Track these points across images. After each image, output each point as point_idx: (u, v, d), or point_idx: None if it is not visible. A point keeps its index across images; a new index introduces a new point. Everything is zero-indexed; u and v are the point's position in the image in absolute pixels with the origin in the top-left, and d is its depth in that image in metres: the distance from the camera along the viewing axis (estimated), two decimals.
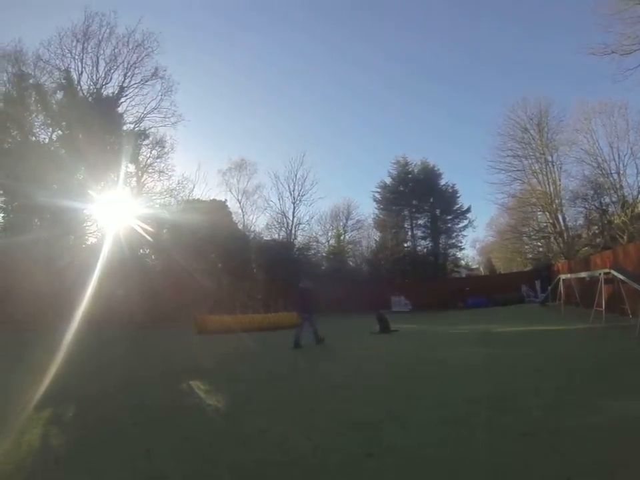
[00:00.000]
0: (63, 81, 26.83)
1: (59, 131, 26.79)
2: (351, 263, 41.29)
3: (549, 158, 33.79)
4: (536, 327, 14.42)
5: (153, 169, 30.12)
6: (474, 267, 52.02)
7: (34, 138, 26.36)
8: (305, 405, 5.69)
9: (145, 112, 29.37)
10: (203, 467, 3.69)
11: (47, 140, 26.70)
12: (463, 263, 45.65)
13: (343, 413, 5.21)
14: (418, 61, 72.21)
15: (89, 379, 7.54)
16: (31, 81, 26.20)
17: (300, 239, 39.94)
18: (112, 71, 28.38)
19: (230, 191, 39.38)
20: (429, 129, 72.51)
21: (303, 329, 12.07)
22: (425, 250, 42.17)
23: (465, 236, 43.29)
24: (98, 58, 27.97)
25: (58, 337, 11.36)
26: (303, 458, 3.82)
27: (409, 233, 42.56)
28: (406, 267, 38.43)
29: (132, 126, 29.25)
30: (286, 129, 72.49)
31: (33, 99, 26.45)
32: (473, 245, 53.24)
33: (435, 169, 43.49)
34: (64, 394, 6.41)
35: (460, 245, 43.39)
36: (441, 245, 42.03)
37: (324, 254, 41.10)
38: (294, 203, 39.98)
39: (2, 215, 24.94)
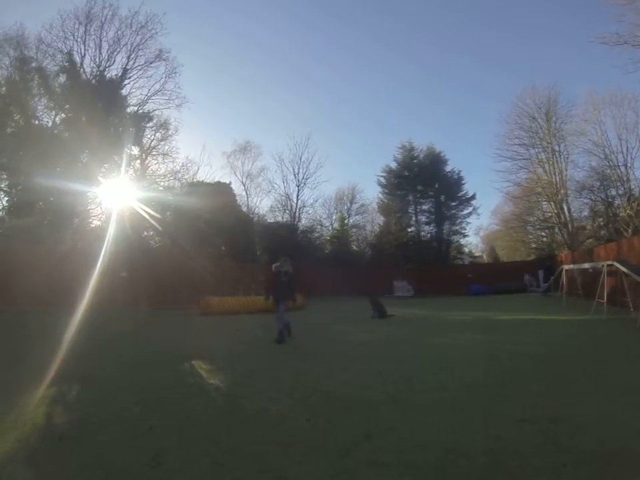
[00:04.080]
0: (66, 64, 26.60)
1: (62, 114, 26.57)
2: (354, 247, 41.42)
3: (556, 148, 33.58)
4: (537, 316, 14.46)
5: (156, 152, 30.15)
6: (477, 254, 51.97)
7: (37, 121, 26.17)
8: (305, 386, 5.74)
9: (148, 94, 29.28)
10: (204, 444, 3.75)
11: (50, 123, 26.51)
12: (466, 250, 45.80)
13: (342, 395, 5.26)
14: (423, 49, 71.46)
15: (93, 360, 7.58)
16: (33, 65, 25.95)
17: (304, 221, 40.38)
18: (115, 53, 28.20)
19: (234, 173, 39.75)
20: (435, 114, 72.25)
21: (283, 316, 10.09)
22: (429, 235, 42.56)
23: (469, 223, 43.85)
24: (101, 40, 27.78)
25: (62, 319, 11.41)
26: (302, 438, 3.87)
27: (413, 218, 42.88)
28: (409, 252, 38.57)
29: (135, 108, 29.16)
30: (291, 113, 72.19)
31: (36, 82, 26.19)
32: (476, 233, 53.32)
33: (441, 154, 43.81)
34: (68, 374, 6.45)
35: (464, 231, 43.83)
36: (444, 231, 42.34)
37: (327, 237, 41.19)
38: (298, 186, 40.44)
39: (5, 198, 25.08)
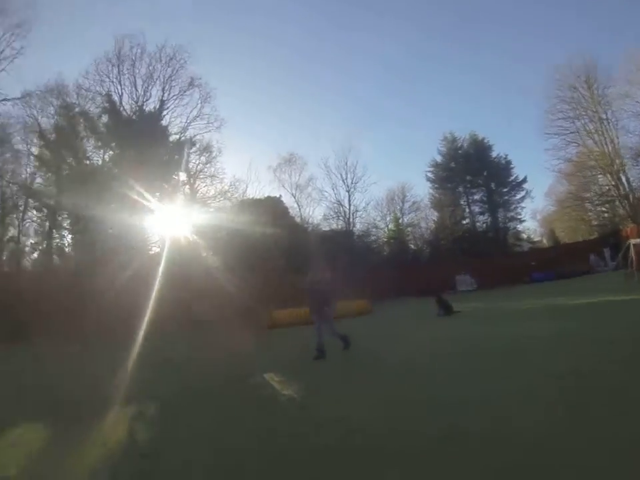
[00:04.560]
0: (106, 105, 28.30)
1: (110, 152, 28.24)
2: (412, 246, 40.94)
3: (603, 115, 32.04)
4: (606, 298, 13.60)
5: (204, 175, 31.38)
6: (536, 239, 49.94)
7: (88, 161, 28.10)
8: (380, 391, 5.64)
9: (187, 121, 30.49)
10: (282, 455, 3.74)
11: (100, 161, 28.39)
12: (524, 236, 44.08)
13: (419, 399, 5.11)
14: (459, 30, 69.90)
15: (165, 379, 7.81)
16: (76, 110, 27.89)
17: (358, 226, 40.19)
18: (150, 87, 29.73)
19: (283, 186, 40.03)
20: (473, 100, 70.00)
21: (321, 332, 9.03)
22: (484, 225, 41.41)
23: (524, 208, 42.18)
24: (135, 77, 29.37)
25: (130, 343, 11.78)
26: (381, 443, 3.77)
27: (466, 210, 41.87)
28: (467, 245, 37.65)
29: (177, 136, 30.40)
30: (330, 118, 71.83)
31: (81, 125, 28.18)
32: (533, 217, 51.08)
33: (485, 141, 42.65)
34: (143, 394, 6.70)
35: (519, 217, 42.20)
36: (500, 219, 41.06)
37: (384, 239, 40.93)
38: (348, 191, 40.41)
39: (70, 235, 26.73)
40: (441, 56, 70.76)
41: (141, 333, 13.15)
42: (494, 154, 42.12)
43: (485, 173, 41.23)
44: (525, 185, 41.15)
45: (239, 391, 6.49)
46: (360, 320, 16.55)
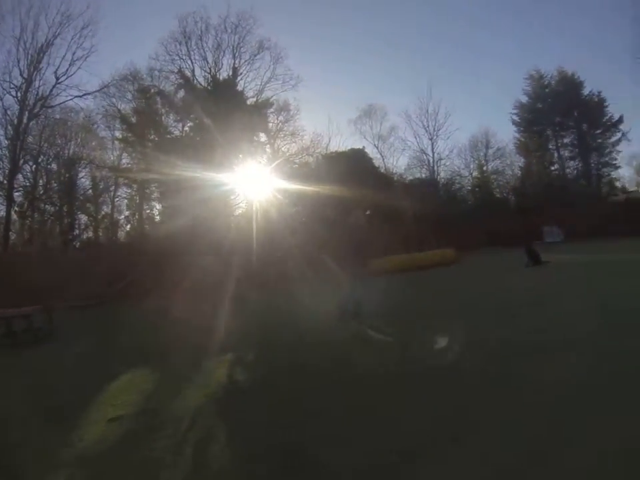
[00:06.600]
0: (180, 81, 29.34)
1: (190, 123, 29.62)
2: (497, 194, 39.15)
3: None
4: None
5: (284, 133, 31.96)
6: (632, 189, 45.20)
7: (169, 135, 29.59)
8: (476, 333, 5.85)
9: (262, 83, 30.84)
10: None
11: (181, 133, 29.85)
12: (618, 185, 40.12)
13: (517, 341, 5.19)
14: None
15: (264, 330, 8.13)
16: (152, 91, 29.28)
17: (442, 174, 39.30)
18: (220, 57, 30.24)
19: (365, 137, 39.57)
20: (559, 31, 63.03)
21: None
22: (575, 172, 38.30)
23: (620, 152, 37.91)
24: (204, 51, 29.90)
25: (229, 298, 12.56)
26: None
27: (555, 155, 39.00)
28: (555, 193, 35.21)
29: (254, 99, 30.94)
30: (407, 65, 67.86)
31: (159, 104, 29.84)
32: (629, 163, 46.17)
33: (575, 77, 38.86)
34: (241, 343, 7.05)
35: (614, 163, 38.09)
36: (592, 165, 37.71)
37: (469, 188, 39.60)
38: (431, 139, 39.42)
39: (158, 205, 29.52)
40: None
41: (231, 290, 13.63)
42: (585, 91, 38.50)
43: (575, 114, 37.91)
44: (621, 126, 37.31)
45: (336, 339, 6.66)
46: (447, 269, 16.61)
